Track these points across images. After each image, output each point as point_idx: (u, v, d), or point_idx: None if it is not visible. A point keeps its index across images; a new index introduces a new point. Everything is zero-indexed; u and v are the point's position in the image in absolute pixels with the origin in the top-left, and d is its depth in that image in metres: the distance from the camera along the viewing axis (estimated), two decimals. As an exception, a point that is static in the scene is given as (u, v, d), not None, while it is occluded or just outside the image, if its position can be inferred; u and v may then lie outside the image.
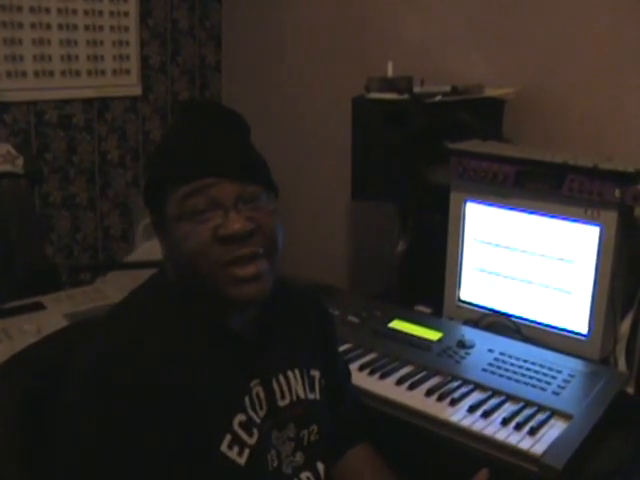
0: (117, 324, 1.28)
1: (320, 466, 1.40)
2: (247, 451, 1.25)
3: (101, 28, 2.89)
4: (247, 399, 1.29)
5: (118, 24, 2.94)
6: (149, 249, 2.53)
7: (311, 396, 1.41)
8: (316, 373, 1.44)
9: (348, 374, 1.63)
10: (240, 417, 1.26)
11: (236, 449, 1.23)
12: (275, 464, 1.30)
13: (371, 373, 1.79)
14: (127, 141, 3.08)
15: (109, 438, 1.14)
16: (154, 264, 1.48)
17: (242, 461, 1.24)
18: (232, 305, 1.28)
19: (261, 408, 1.31)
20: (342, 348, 1.87)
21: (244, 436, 1.25)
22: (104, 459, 1.14)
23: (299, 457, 1.36)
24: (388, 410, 1.69)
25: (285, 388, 1.36)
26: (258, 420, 1.29)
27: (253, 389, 1.30)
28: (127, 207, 3.10)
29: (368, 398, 1.72)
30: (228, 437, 1.23)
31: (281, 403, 1.35)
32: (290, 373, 1.38)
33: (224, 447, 1.22)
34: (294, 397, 1.37)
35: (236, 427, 1.24)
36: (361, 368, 1.81)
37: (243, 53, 3.28)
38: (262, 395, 1.32)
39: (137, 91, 3.08)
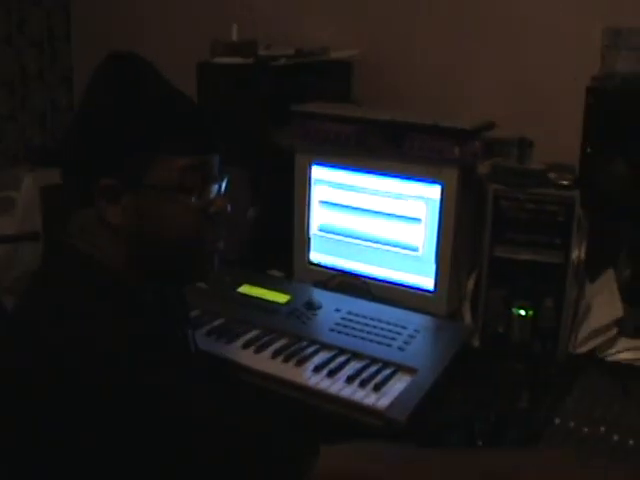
0: (57, 316, 1.15)
1: None
2: None
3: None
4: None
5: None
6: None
7: None
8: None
9: None
10: None
11: None
12: None
13: (218, 338, 1.77)
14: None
15: (87, 435, 1.08)
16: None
17: None
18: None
19: None
20: (191, 315, 1.85)
21: None
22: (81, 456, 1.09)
23: None
24: (235, 373, 1.68)
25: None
26: None
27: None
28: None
29: (216, 363, 1.70)
30: None
31: None
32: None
33: None
34: None
35: None
36: (209, 333, 1.79)
37: (92, 23, 3.19)
38: None
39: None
